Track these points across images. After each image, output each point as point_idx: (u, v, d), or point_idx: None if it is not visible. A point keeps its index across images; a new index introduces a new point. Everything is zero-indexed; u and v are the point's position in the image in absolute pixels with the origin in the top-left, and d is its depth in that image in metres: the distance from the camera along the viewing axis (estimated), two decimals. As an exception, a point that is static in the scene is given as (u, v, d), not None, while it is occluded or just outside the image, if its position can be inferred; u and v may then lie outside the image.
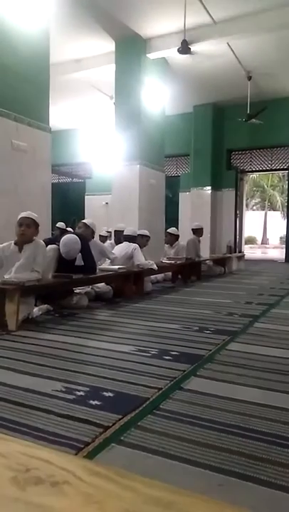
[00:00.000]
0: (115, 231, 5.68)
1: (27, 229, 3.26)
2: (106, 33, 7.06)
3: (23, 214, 3.33)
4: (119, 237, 5.32)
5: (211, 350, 2.47)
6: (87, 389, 1.80)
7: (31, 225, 3.28)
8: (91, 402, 1.65)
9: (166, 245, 7.08)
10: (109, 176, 8.23)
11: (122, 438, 1.36)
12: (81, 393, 1.75)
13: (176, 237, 7.01)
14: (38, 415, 1.52)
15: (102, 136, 11.50)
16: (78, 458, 0.71)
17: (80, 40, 7.35)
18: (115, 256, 4.64)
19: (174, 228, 7.19)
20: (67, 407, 1.60)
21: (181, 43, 6.42)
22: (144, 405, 1.63)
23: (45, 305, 3.65)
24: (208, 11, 6.41)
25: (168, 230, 7.02)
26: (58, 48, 6.67)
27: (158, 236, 7.81)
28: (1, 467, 0.65)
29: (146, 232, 5.53)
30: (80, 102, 10.23)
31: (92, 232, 4.52)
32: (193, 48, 6.73)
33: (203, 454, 1.27)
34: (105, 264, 4.59)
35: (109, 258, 4.59)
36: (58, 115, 10.22)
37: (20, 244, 3.28)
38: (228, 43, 7.35)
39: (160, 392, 1.78)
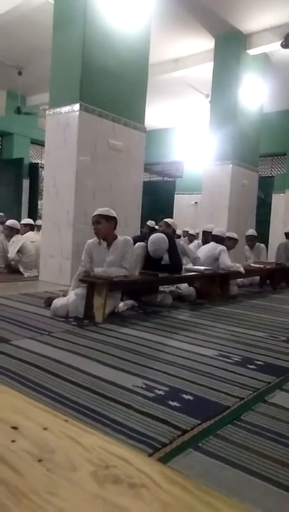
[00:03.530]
0: (204, 231, 5.60)
1: (97, 225, 3.31)
2: (206, 30, 6.98)
3: (94, 213, 3.38)
4: (207, 237, 5.24)
5: (299, 363, 2.31)
6: (167, 389, 1.80)
7: (101, 221, 3.29)
8: (170, 402, 1.65)
9: (247, 248, 6.74)
10: (200, 175, 8.16)
11: (199, 444, 1.33)
12: (161, 392, 1.75)
13: (256, 238, 6.66)
14: (118, 409, 1.56)
15: (196, 135, 11.46)
16: (156, 462, 0.71)
17: (179, 39, 7.38)
18: (197, 256, 4.58)
19: (253, 230, 6.84)
20: (147, 404, 1.62)
21: (285, 37, 6.09)
22: (224, 414, 1.58)
23: (131, 301, 3.74)
24: (317, 1, 5.99)
25: (249, 234, 6.62)
26: (157, 49, 6.77)
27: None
28: (83, 460, 0.67)
29: (234, 235, 5.37)
30: (176, 101, 10.29)
31: (173, 232, 4.51)
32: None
33: (286, 475, 1.18)
34: (190, 265, 4.56)
35: (190, 258, 4.55)
36: (153, 114, 10.40)
37: (109, 240, 3.36)
38: None
39: (242, 402, 1.71)
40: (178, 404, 1.63)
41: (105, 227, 3.30)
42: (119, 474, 0.64)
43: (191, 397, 1.72)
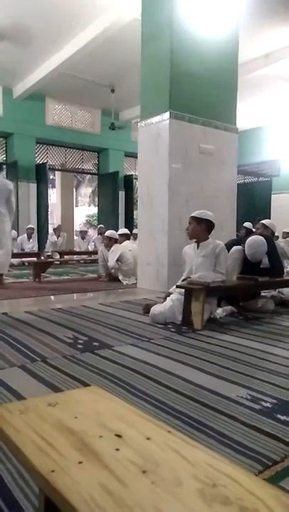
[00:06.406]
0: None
1: (189, 226, 3.43)
2: (298, 18, 6.57)
3: None
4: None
5: None
6: (275, 401, 1.68)
7: (192, 222, 3.39)
8: (279, 416, 1.53)
9: None
10: (299, 172, 7.66)
11: (315, 465, 1.20)
12: (268, 405, 1.64)
13: None
14: (222, 420, 1.49)
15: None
16: (269, 484, 0.64)
17: (269, 33, 7.04)
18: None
19: None
20: (253, 417, 1.52)
21: None
22: None
23: (230, 306, 3.63)
24: None
25: None
26: (245, 47, 6.54)
27: None
28: (188, 475, 0.64)
29: None
30: (267, 97, 9.84)
31: (272, 233, 4.30)
32: None
33: None
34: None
35: None
36: (243, 114, 10.09)
37: (197, 242, 3.40)
38: None
39: None
40: (288, 419, 1.51)
41: (194, 227, 3.39)
42: (228, 495, 0.59)
43: (302, 412, 1.58)
